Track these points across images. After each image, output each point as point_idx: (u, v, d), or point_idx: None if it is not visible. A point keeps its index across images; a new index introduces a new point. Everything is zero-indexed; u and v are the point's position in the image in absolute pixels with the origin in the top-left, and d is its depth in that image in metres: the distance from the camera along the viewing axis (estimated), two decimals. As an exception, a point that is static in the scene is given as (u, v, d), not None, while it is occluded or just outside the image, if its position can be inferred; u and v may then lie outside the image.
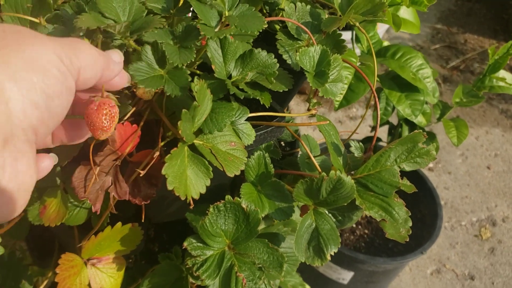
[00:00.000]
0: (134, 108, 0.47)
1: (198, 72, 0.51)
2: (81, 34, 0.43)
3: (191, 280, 0.66)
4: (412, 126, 1.02)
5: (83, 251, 0.64)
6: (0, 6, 0.47)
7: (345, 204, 0.57)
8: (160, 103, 0.48)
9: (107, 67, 0.38)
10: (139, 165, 0.45)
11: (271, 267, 0.53)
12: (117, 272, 0.68)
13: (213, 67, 0.47)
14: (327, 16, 0.59)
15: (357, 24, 0.63)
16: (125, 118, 0.46)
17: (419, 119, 0.97)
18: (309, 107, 0.53)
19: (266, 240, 0.54)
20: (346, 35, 0.71)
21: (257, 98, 0.48)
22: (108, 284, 0.68)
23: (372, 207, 0.57)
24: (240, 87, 0.48)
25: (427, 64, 0.87)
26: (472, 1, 3.23)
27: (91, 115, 0.38)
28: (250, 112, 0.52)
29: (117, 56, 0.40)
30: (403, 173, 0.58)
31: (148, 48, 0.45)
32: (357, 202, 0.56)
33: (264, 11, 0.62)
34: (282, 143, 0.79)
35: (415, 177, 1.40)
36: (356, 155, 0.59)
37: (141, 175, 0.43)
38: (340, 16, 0.57)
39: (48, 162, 0.39)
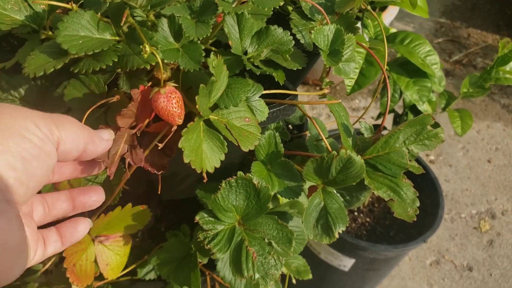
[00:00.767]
0: (150, 83, 0.48)
1: (213, 48, 0.52)
2: (106, 7, 0.43)
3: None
4: (418, 114, 1.02)
5: (92, 229, 0.65)
6: None
7: (354, 183, 0.57)
8: (177, 79, 0.49)
9: (92, 142, 0.40)
10: (155, 135, 0.46)
11: (280, 242, 0.54)
12: (124, 250, 0.69)
13: (229, 42, 0.47)
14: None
15: (368, 7, 0.64)
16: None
17: (425, 107, 0.98)
18: (322, 86, 0.54)
19: (276, 217, 0.55)
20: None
21: (272, 75, 0.49)
22: (114, 261, 0.68)
23: (381, 187, 0.58)
24: (255, 64, 0.49)
25: (434, 51, 0.87)
26: (476, -5, 3.22)
27: (165, 108, 0.42)
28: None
29: (106, 135, 0.42)
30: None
31: (164, 21, 0.46)
32: (366, 182, 0.57)
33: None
34: (290, 126, 0.80)
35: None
36: (365, 135, 0.60)
37: (159, 148, 0.44)
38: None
39: (82, 226, 0.44)
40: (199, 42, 0.45)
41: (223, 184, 0.52)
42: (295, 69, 0.51)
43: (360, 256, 1.25)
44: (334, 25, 0.51)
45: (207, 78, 0.47)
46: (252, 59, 0.49)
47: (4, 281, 0.33)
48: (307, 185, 0.61)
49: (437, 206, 1.30)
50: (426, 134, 0.59)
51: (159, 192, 0.53)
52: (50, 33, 0.51)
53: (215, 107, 0.48)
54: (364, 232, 1.35)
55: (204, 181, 0.48)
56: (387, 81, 0.57)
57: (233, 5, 0.49)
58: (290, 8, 0.63)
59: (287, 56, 0.49)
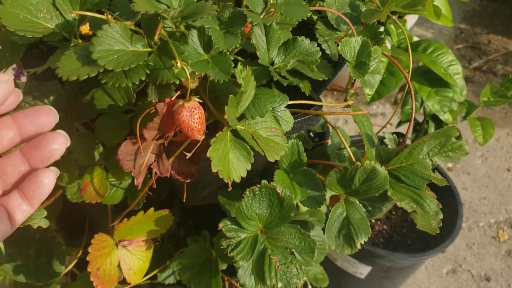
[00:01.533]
0: (178, 92, 0.48)
1: (240, 58, 0.52)
2: (139, 17, 0.44)
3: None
4: (439, 123, 1.02)
5: (115, 233, 0.66)
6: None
7: (377, 194, 0.57)
8: (204, 88, 0.49)
9: None
10: (182, 144, 0.47)
11: (302, 252, 0.54)
12: (146, 255, 0.70)
13: (257, 53, 0.48)
14: (365, 8, 0.60)
15: (394, 17, 0.64)
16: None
17: (446, 117, 0.97)
18: (346, 97, 0.54)
19: (298, 226, 0.55)
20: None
21: (298, 85, 0.49)
22: (137, 266, 0.69)
23: (404, 198, 0.57)
24: (282, 74, 0.49)
25: (457, 61, 0.87)
26: (497, 1, 3.18)
27: (187, 122, 0.43)
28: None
29: (4, 77, 0.39)
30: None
31: (194, 33, 0.46)
32: (388, 193, 0.57)
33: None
34: (311, 134, 0.80)
35: (436, 175, 1.40)
36: (389, 146, 0.59)
37: (187, 157, 0.45)
38: (380, 8, 0.58)
39: (45, 177, 0.39)
40: (228, 53, 0.46)
41: (247, 193, 0.53)
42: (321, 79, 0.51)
43: (376, 264, 1.24)
44: (361, 37, 0.52)
45: (234, 88, 0.47)
46: (278, 70, 0.50)
47: None
48: (328, 194, 0.61)
49: (455, 215, 1.29)
50: (450, 146, 0.59)
51: (184, 200, 0.54)
52: (80, 41, 0.52)
53: (241, 117, 0.48)
54: (381, 240, 1.34)
55: (229, 189, 0.48)
56: (412, 92, 0.57)
57: (261, 16, 0.50)
58: (315, 17, 0.63)
59: (313, 66, 0.50)
